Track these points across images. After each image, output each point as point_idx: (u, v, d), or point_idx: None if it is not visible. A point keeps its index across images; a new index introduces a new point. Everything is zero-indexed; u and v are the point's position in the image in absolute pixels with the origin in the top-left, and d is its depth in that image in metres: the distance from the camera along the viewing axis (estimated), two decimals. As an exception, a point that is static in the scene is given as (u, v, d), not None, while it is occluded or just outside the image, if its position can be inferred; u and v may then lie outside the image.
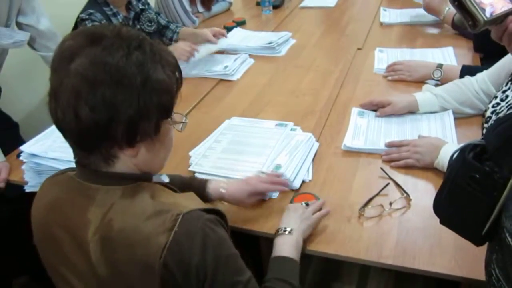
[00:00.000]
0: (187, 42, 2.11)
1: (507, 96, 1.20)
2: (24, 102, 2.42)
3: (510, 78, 1.24)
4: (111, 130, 0.77)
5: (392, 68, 1.86)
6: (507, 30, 0.64)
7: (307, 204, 1.15)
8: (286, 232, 1.05)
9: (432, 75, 1.72)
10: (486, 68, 1.49)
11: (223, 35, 2.28)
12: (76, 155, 0.85)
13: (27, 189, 1.39)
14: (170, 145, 0.90)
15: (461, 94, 1.48)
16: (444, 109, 1.50)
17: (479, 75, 1.48)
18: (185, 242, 0.77)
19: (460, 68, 1.67)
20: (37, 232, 0.91)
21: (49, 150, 1.39)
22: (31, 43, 1.94)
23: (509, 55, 1.29)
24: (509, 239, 0.64)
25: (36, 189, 1.34)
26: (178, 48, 2.04)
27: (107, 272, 0.80)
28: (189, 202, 0.84)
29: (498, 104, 1.23)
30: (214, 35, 2.24)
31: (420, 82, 1.74)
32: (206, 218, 0.81)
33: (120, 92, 0.75)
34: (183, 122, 0.89)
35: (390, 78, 1.84)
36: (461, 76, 1.60)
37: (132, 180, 0.84)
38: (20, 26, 1.90)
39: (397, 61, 1.88)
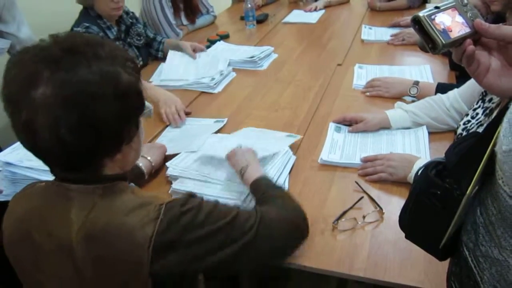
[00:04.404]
0: (179, 105, 1.80)
1: (477, 114, 1.24)
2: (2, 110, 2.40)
3: (480, 97, 1.28)
4: (100, 145, 0.78)
5: (370, 84, 1.90)
6: (465, 52, 0.67)
7: (240, 146, 1.33)
8: (247, 168, 1.20)
9: (408, 92, 1.76)
10: (460, 86, 1.53)
11: (202, 50, 2.34)
12: (57, 173, 0.84)
13: (1, 198, 1.37)
14: (143, 134, 0.92)
15: (432, 111, 1.52)
16: (418, 124, 1.54)
17: (450, 93, 1.52)
18: (171, 227, 0.79)
19: (435, 85, 1.72)
20: (11, 242, 0.90)
21: (24, 158, 1.38)
22: (11, 51, 1.94)
23: None
24: (466, 253, 0.67)
25: (10, 198, 1.34)
26: (167, 107, 1.78)
27: (93, 271, 0.80)
28: (166, 196, 0.89)
29: (469, 121, 1.27)
30: (194, 50, 2.31)
31: (397, 98, 1.78)
32: (185, 199, 0.85)
33: (98, 108, 0.74)
34: (150, 110, 0.92)
35: (368, 94, 1.88)
36: (437, 93, 1.64)
37: (112, 180, 0.85)
38: (0, 34, 1.89)
39: (375, 78, 1.92)
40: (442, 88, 1.66)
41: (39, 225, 0.84)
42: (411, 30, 1.96)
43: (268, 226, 0.91)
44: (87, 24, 2.01)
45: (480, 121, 1.20)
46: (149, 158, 1.38)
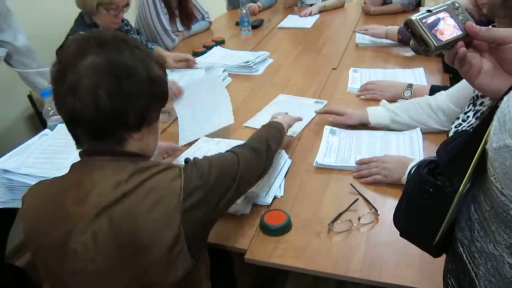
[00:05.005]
0: (175, 83, 1.88)
1: (468, 117, 1.26)
2: (0, 118, 2.40)
3: (472, 101, 1.30)
4: (126, 117, 0.89)
5: (365, 88, 1.92)
6: (457, 54, 0.69)
7: (286, 113, 1.55)
8: (276, 118, 1.45)
9: (402, 94, 1.78)
10: (452, 88, 1.55)
11: (192, 62, 2.34)
12: (85, 145, 0.93)
13: (-1, 205, 1.38)
14: (159, 132, 1.04)
15: (412, 110, 1.57)
16: (396, 122, 1.59)
17: (438, 95, 1.55)
18: (192, 179, 0.92)
19: (429, 87, 1.73)
20: (38, 220, 0.93)
21: (21, 166, 1.38)
22: (7, 59, 1.94)
23: None
24: (461, 249, 0.67)
25: (7, 205, 1.34)
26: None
27: (130, 229, 0.85)
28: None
29: (460, 124, 1.29)
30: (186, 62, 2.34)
31: (391, 101, 1.79)
32: (187, 161, 0.99)
33: (133, 85, 0.88)
34: (169, 112, 1.05)
35: (363, 97, 1.90)
36: (430, 95, 1.66)
37: (136, 156, 0.95)
38: (-4, 42, 1.90)
39: (369, 81, 1.94)
40: (435, 91, 1.67)
41: (75, 196, 0.90)
42: (381, 83, 1.97)
43: (247, 162, 1.08)
44: (82, 33, 2.02)
45: (472, 124, 1.22)
46: None
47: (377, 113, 1.62)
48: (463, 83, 1.44)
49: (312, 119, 1.75)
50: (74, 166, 0.95)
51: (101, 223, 0.86)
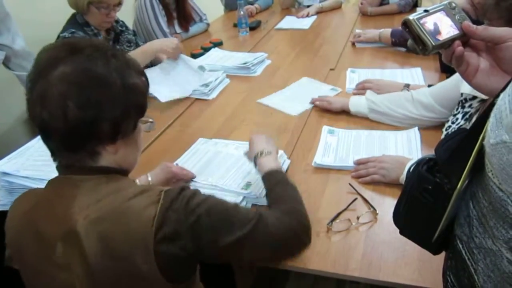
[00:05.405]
0: (174, 42, 2.08)
1: (457, 119, 1.29)
2: (-2, 121, 2.41)
3: (460, 104, 1.33)
4: (97, 128, 0.84)
5: (362, 86, 1.93)
6: (454, 54, 0.69)
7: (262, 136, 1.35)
8: (265, 153, 1.23)
9: (400, 94, 1.79)
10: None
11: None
12: (59, 157, 0.90)
13: (-2, 207, 1.38)
14: (141, 145, 0.99)
15: (389, 100, 1.63)
16: (375, 111, 1.65)
17: (423, 89, 1.60)
18: (171, 209, 0.85)
19: (426, 87, 1.74)
20: (16, 235, 0.93)
21: (21, 168, 1.39)
22: (6, 63, 1.95)
23: (451, 78, 1.39)
24: (460, 245, 0.68)
25: (7, 208, 1.34)
26: (164, 44, 2.09)
27: (100, 255, 0.82)
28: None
29: (449, 126, 1.31)
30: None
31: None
32: (182, 187, 0.90)
33: (105, 94, 0.84)
34: (151, 122, 0.98)
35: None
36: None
37: (113, 172, 0.91)
38: (-5, 45, 1.91)
39: (367, 79, 1.95)
40: (432, 90, 1.69)
41: (46, 214, 0.88)
42: (379, 82, 1.99)
43: (265, 227, 0.93)
44: (73, 30, 2.01)
45: (461, 125, 1.25)
46: (149, 178, 1.33)
47: (357, 101, 1.69)
48: (448, 83, 1.47)
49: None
50: (50, 183, 0.92)
51: (73, 246, 0.83)
